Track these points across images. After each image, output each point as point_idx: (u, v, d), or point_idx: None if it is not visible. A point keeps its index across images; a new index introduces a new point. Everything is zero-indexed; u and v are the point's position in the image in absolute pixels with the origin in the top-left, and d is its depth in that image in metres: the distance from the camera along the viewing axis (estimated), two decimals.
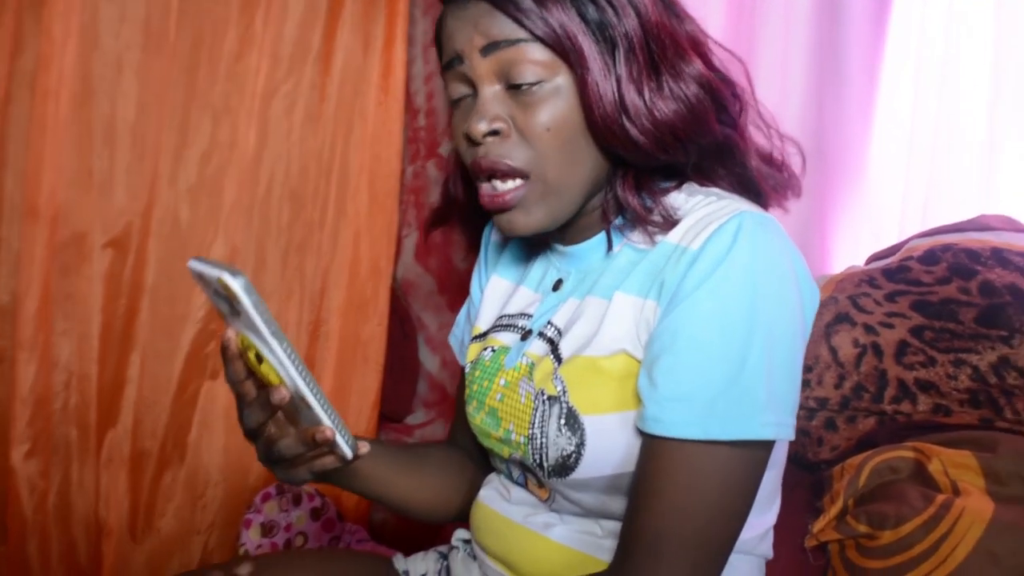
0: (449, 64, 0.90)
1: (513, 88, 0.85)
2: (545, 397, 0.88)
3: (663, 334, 0.81)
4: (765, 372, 0.77)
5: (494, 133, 0.86)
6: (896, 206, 1.40)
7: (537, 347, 0.95)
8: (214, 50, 1.75)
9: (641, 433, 0.81)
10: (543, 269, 1.04)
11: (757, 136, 0.95)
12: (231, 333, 0.73)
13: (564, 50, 0.83)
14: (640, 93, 0.83)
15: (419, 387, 2.04)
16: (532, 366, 0.93)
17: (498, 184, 0.88)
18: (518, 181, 0.87)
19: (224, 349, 0.75)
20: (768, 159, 0.95)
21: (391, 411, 1.98)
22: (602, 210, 0.94)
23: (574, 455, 0.84)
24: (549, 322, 0.95)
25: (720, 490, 0.77)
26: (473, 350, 1.07)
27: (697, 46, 0.90)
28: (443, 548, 1.19)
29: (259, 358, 0.70)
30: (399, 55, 1.90)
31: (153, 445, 1.74)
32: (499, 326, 1.05)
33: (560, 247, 1.00)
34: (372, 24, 1.89)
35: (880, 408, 1.15)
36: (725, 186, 0.93)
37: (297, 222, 1.87)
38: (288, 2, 1.81)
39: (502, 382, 0.97)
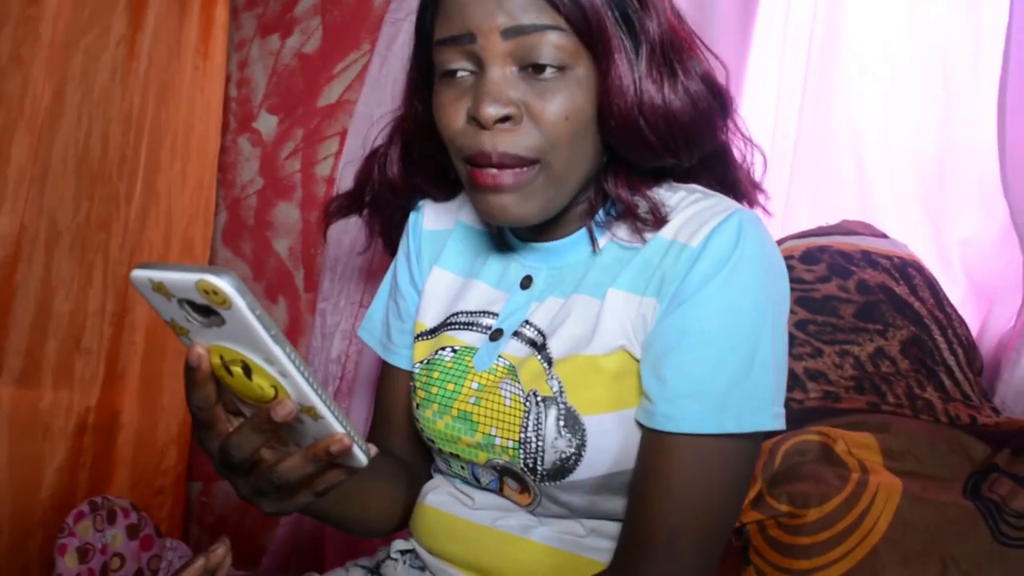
0: (454, 39, 0.82)
1: (529, 70, 0.80)
2: (539, 399, 0.84)
3: (669, 331, 0.81)
4: (772, 364, 0.81)
5: (505, 119, 0.80)
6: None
7: (515, 348, 0.91)
8: None
9: (645, 430, 0.82)
10: (502, 264, 0.99)
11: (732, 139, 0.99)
12: (200, 349, 0.61)
13: (592, 39, 0.79)
14: (659, 92, 0.82)
15: None
16: (513, 368, 0.89)
17: (499, 172, 0.83)
18: (523, 168, 0.82)
19: (193, 370, 0.62)
20: (739, 162, 0.98)
21: None
22: (586, 206, 0.92)
23: (573, 457, 0.82)
24: (527, 321, 0.91)
25: (730, 481, 0.81)
26: (422, 349, 1.00)
27: (698, 47, 0.90)
28: (366, 562, 1.10)
29: (247, 370, 0.61)
30: (220, 17, 1.73)
31: None
32: (455, 324, 0.98)
33: (526, 243, 0.97)
34: None
35: None
36: (704, 184, 0.94)
37: (98, 195, 1.61)
38: None
39: (474, 385, 0.91)
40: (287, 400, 0.60)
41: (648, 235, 0.87)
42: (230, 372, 0.61)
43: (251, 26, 1.90)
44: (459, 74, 0.83)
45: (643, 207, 0.87)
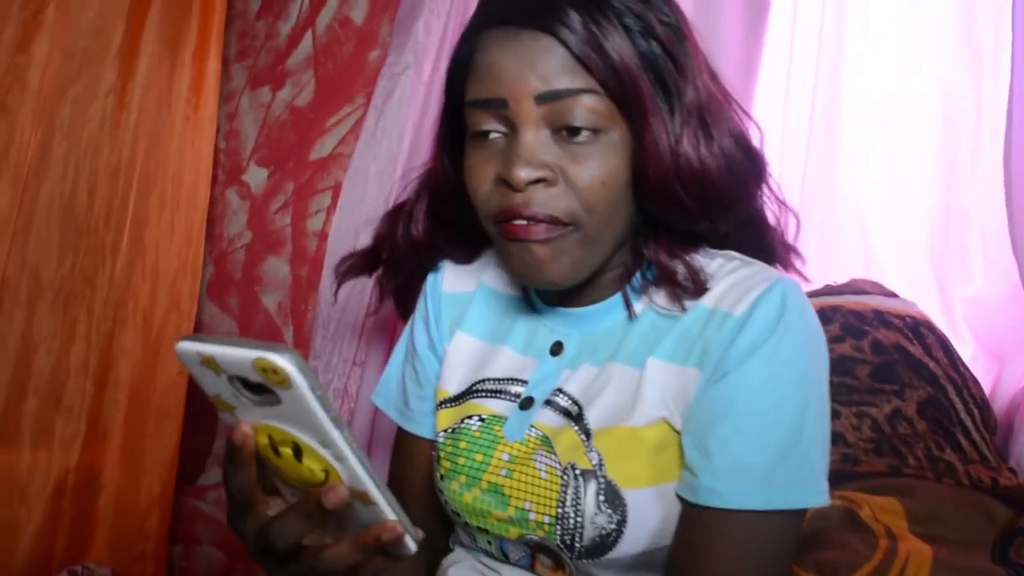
0: (485, 103, 0.80)
1: (563, 133, 0.79)
2: (578, 472, 0.80)
3: (714, 403, 0.79)
4: (818, 437, 0.79)
5: (538, 181, 0.79)
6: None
7: (548, 417, 0.86)
8: None
9: (686, 504, 0.79)
10: (529, 329, 0.96)
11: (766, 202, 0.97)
12: (246, 428, 0.58)
13: (627, 101, 0.78)
14: (695, 154, 0.80)
15: (215, 443, 1.79)
16: (547, 439, 0.85)
17: (531, 224, 0.80)
18: (558, 227, 0.80)
19: (237, 450, 0.58)
20: (773, 226, 0.97)
21: (182, 470, 1.72)
22: (621, 270, 0.89)
23: (614, 533, 0.78)
24: (560, 390, 0.88)
25: (773, 557, 0.78)
26: (446, 417, 0.95)
27: (733, 107, 0.89)
28: None
29: (297, 452, 0.57)
30: (213, 67, 1.70)
31: None
32: (481, 391, 0.94)
33: (555, 308, 0.94)
34: (183, 30, 1.67)
35: None
36: (739, 249, 0.92)
37: (84, 248, 1.57)
38: None
39: (505, 456, 0.86)
40: (340, 486, 0.57)
41: (687, 302, 0.84)
42: (277, 453, 0.58)
43: (241, 77, 1.88)
44: (491, 136, 0.82)
45: (682, 273, 0.85)
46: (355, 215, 1.60)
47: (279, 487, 0.63)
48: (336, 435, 0.55)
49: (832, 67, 1.41)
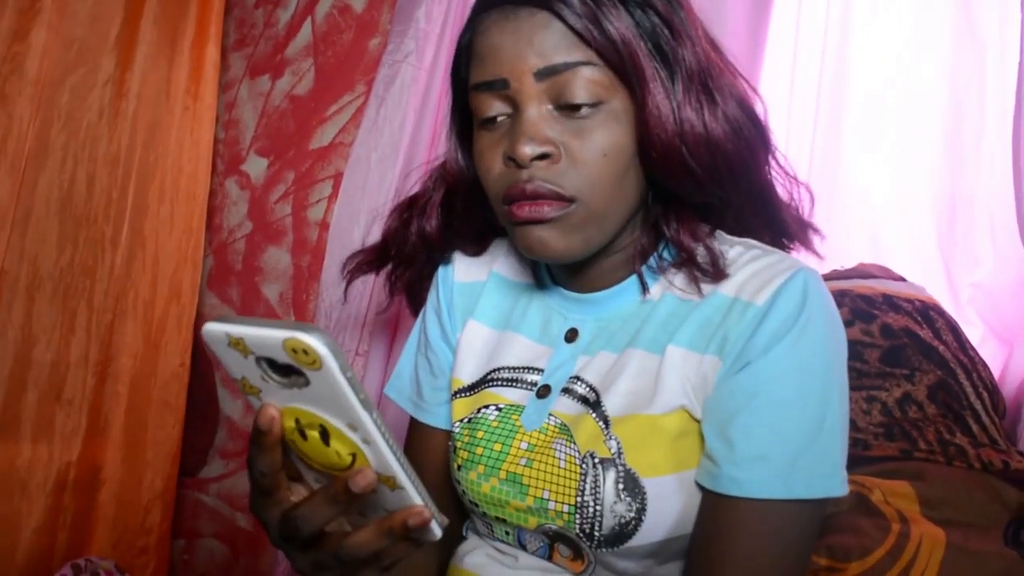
0: (488, 84, 0.80)
1: (565, 109, 0.79)
2: (597, 460, 0.80)
3: (736, 392, 0.78)
4: (839, 427, 0.78)
5: (543, 157, 0.78)
6: None
7: (565, 405, 0.85)
8: None
9: (707, 493, 0.78)
10: (542, 316, 0.95)
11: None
12: (273, 411, 0.57)
13: (625, 71, 0.78)
14: (699, 119, 0.80)
15: (217, 435, 1.78)
16: (566, 427, 0.84)
17: (536, 203, 0.80)
18: (562, 204, 0.79)
19: (262, 433, 0.57)
20: (787, 203, 0.95)
21: (184, 463, 1.71)
22: (633, 251, 0.88)
23: (633, 522, 0.77)
24: (577, 377, 0.87)
25: (795, 548, 0.77)
26: (462, 407, 0.94)
27: (735, 74, 0.88)
28: None
29: (324, 435, 0.57)
30: (212, 56, 1.68)
31: None
32: (496, 380, 0.93)
33: (569, 292, 0.93)
34: (181, 19, 1.65)
35: None
36: (756, 233, 0.91)
37: (83, 239, 1.55)
38: None
39: (523, 445, 0.86)
40: (367, 469, 0.56)
41: (706, 287, 0.83)
42: (304, 436, 0.57)
43: (240, 67, 1.86)
44: (498, 120, 0.82)
45: (703, 255, 0.84)
46: (357, 204, 1.58)
47: (303, 473, 0.62)
48: (365, 417, 0.54)
49: (838, 55, 1.40)
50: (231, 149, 1.84)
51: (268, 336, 0.51)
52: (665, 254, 0.87)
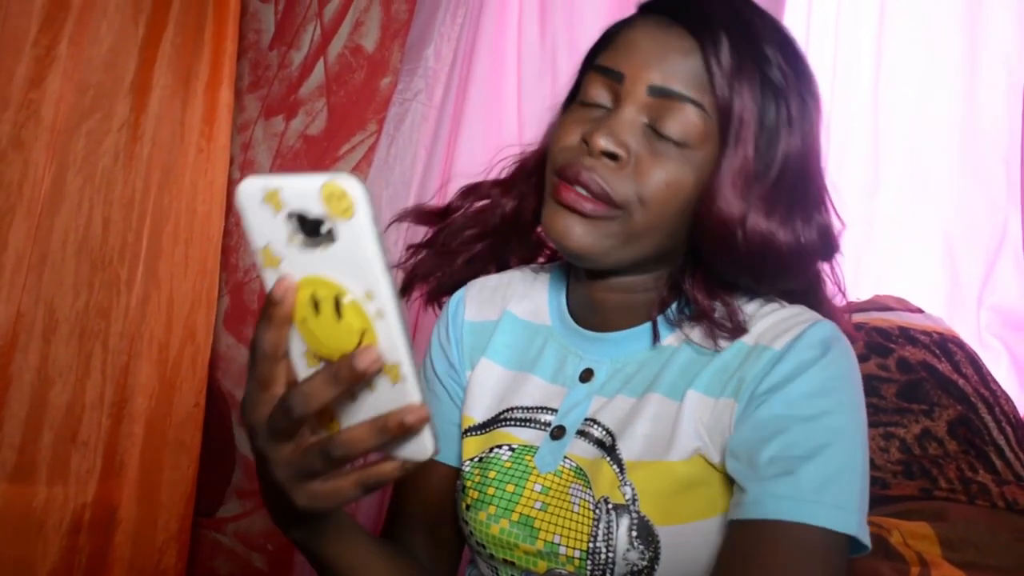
0: (606, 70, 0.82)
1: (656, 131, 0.79)
2: (611, 506, 0.78)
3: (763, 426, 0.76)
4: (861, 472, 0.76)
5: (613, 156, 0.79)
6: None
7: (581, 448, 0.84)
8: (5, 70, 1.43)
9: (734, 524, 0.75)
10: (557, 357, 0.93)
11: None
12: (289, 281, 0.53)
13: (728, 129, 0.78)
14: (769, 213, 0.80)
15: (234, 475, 1.78)
16: (582, 471, 0.83)
17: (582, 194, 0.80)
18: (607, 207, 0.79)
19: (275, 305, 0.54)
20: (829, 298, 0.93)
21: (200, 503, 1.71)
22: (655, 296, 0.88)
23: (646, 570, 0.76)
24: (593, 420, 0.85)
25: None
26: (472, 445, 0.92)
27: (826, 198, 0.87)
28: None
29: (338, 307, 0.53)
30: (225, 99, 1.70)
31: None
32: (509, 420, 0.91)
33: (586, 332, 0.91)
34: (195, 60, 1.67)
35: None
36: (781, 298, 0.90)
37: (98, 282, 1.56)
38: (99, 22, 1.54)
39: (537, 487, 0.84)
40: (373, 347, 0.53)
41: (723, 342, 0.82)
42: (317, 310, 0.54)
43: (254, 108, 1.88)
44: (593, 108, 0.83)
45: (720, 312, 0.83)
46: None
47: (299, 373, 0.59)
48: (385, 282, 0.53)
49: (849, 69, 1.39)
50: None
51: (305, 183, 0.51)
52: (686, 309, 0.86)
